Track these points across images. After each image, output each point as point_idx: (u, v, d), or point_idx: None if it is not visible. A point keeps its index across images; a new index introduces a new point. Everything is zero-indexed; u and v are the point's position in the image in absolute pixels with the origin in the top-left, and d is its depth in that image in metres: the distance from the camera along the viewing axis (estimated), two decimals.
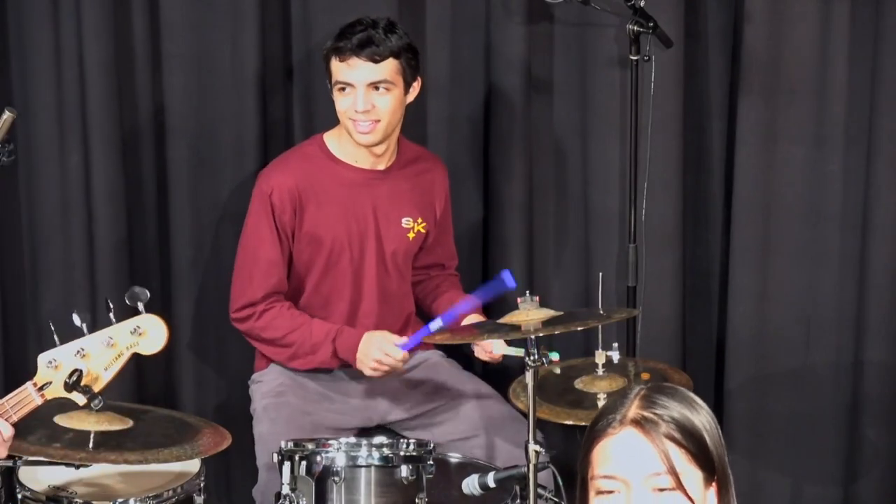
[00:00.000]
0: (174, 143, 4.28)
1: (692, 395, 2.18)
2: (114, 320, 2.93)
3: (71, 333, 2.93)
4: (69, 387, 2.88)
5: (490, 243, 4.43)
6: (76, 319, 2.90)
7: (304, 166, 3.91)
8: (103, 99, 4.16)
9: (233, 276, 3.95)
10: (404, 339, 3.83)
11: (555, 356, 3.46)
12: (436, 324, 3.75)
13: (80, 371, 2.87)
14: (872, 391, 4.33)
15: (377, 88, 3.80)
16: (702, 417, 2.15)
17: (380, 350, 3.81)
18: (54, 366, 2.89)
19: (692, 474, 2.11)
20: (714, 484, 2.14)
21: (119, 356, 2.91)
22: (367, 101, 3.79)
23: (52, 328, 2.92)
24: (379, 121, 3.81)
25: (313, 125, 4.23)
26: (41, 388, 2.90)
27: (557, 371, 3.78)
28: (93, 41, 4.13)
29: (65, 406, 3.26)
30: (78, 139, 4.20)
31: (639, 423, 2.11)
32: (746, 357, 4.36)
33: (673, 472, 2.09)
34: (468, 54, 4.31)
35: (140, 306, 2.92)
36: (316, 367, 3.94)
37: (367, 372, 3.85)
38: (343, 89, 3.81)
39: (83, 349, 2.90)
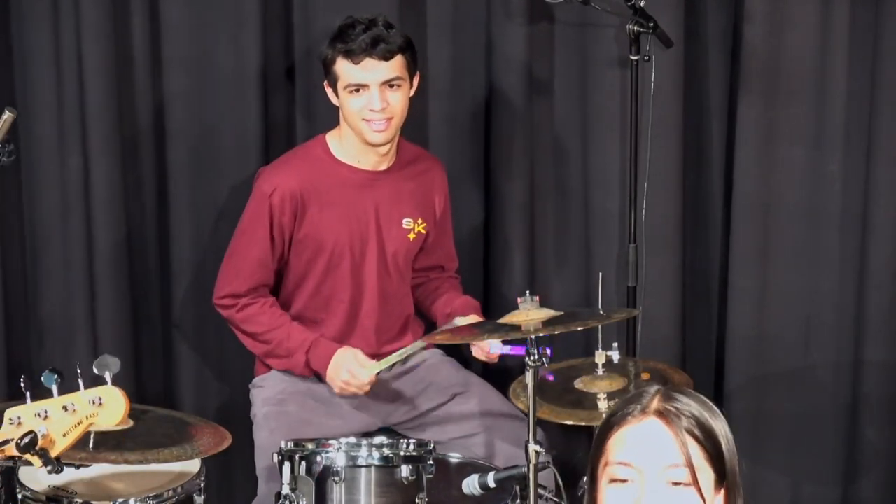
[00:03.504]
0: (174, 144, 4.28)
1: (711, 403, 2.20)
2: (82, 385, 2.77)
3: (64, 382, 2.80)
4: (21, 448, 2.73)
5: (491, 243, 4.43)
6: (45, 380, 2.75)
7: (306, 168, 3.91)
8: (103, 100, 4.16)
9: (222, 261, 3.96)
10: (373, 363, 3.83)
11: None
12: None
13: (35, 434, 2.73)
14: (872, 391, 4.33)
15: (391, 86, 3.81)
16: (720, 424, 2.17)
17: (347, 371, 3.82)
18: (17, 423, 2.76)
19: (706, 472, 2.12)
20: (723, 490, 2.15)
21: (79, 424, 2.76)
22: (382, 99, 3.79)
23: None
24: (392, 118, 3.82)
25: (315, 125, 4.22)
26: (1, 445, 2.75)
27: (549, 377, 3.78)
28: (92, 43, 4.13)
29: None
30: (78, 141, 4.19)
31: (662, 413, 2.12)
32: (746, 357, 4.36)
33: (690, 466, 2.10)
34: (469, 54, 4.31)
35: (107, 376, 2.75)
36: (289, 370, 3.95)
37: (336, 389, 3.86)
38: (356, 90, 3.81)
39: (46, 411, 2.76)
